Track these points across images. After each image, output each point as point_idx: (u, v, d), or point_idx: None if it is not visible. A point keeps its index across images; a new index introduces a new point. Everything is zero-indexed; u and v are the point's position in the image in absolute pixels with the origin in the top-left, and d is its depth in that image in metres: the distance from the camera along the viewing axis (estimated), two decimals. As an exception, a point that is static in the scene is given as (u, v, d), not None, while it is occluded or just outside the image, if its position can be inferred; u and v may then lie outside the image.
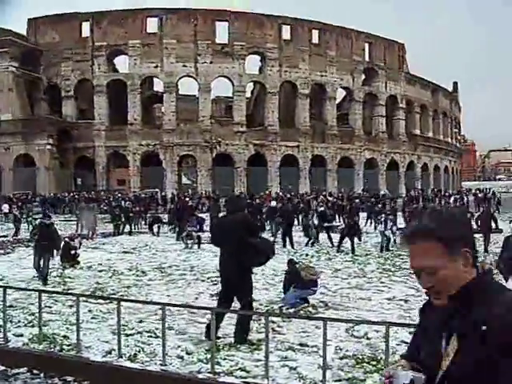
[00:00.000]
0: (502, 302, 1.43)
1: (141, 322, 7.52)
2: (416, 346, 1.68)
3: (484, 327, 1.40)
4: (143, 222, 25.82)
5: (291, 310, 8.47)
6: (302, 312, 8.44)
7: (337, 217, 26.20)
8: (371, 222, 25.41)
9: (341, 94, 51.34)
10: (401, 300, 9.42)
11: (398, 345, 5.95)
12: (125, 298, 9.07)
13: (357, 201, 31.44)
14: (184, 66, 42.44)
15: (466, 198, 41.53)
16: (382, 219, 18.12)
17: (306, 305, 8.66)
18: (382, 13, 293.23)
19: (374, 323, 6.59)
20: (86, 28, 42.78)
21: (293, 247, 17.27)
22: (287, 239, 17.64)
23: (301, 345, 6.43)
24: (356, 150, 48.53)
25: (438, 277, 1.49)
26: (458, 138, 75.15)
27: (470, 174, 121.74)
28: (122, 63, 44.94)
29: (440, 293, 1.52)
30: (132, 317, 7.68)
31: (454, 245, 1.49)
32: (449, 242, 1.48)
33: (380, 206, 26.85)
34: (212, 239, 7.44)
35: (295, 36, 45.56)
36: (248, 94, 49.49)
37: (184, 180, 43.41)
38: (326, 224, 18.89)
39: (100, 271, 12.83)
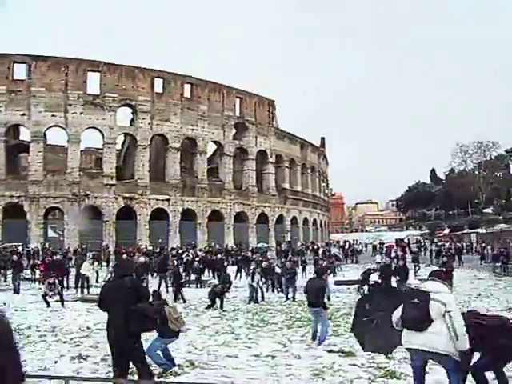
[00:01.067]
0: None
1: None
2: None
3: None
4: (3, 279, 28.43)
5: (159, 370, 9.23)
6: (166, 373, 9.23)
7: (206, 271, 32.74)
8: (240, 276, 31.30)
9: (212, 147, 60.03)
10: (268, 356, 10.72)
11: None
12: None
13: (219, 256, 38.57)
14: (53, 115, 47.06)
15: (333, 250, 50.86)
16: (251, 272, 22.65)
17: (174, 368, 9.47)
18: (254, 71, 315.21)
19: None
20: None
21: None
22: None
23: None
24: (226, 204, 56.60)
25: None
26: (326, 191, 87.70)
27: (338, 225, 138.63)
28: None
29: None
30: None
31: None
32: None
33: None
34: (99, 304, 7.81)
35: (167, 89, 52.98)
36: (119, 146, 55.77)
37: (50, 233, 47.80)
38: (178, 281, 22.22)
39: None
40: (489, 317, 6.82)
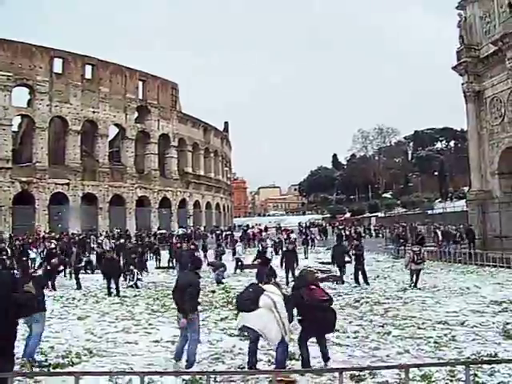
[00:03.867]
0: None
1: None
2: None
3: None
4: None
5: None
6: (63, 361, 9.44)
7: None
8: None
9: (113, 131, 60.21)
10: (168, 341, 10.81)
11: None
12: None
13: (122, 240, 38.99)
14: None
15: (236, 235, 52.51)
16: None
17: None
18: (156, 53, 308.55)
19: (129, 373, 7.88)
20: None
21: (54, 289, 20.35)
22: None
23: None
24: (128, 188, 57.15)
25: None
26: (229, 175, 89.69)
27: (242, 210, 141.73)
28: None
29: None
30: None
31: None
32: None
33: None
34: None
35: (67, 70, 52.35)
36: (15, 128, 54.41)
37: None
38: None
39: None
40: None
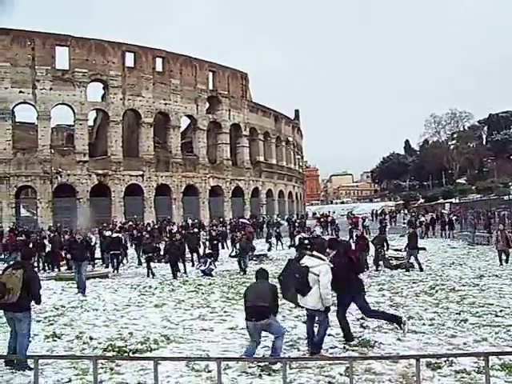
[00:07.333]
0: None
1: None
2: None
3: None
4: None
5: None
6: (142, 347, 9.73)
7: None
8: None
9: (185, 122, 60.91)
10: (243, 329, 10.17)
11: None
12: None
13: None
14: (21, 91, 46.95)
15: (308, 222, 52.17)
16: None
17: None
18: (227, 42, 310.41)
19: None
20: None
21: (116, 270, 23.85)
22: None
23: (139, 384, 7.42)
24: (201, 178, 57.71)
25: None
26: (301, 163, 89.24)
27: (314, 198, 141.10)
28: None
29: None
30: None
31: None
32: None
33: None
34: None
35: (139, 64, 53.36)
36: (90, 123, 56.10)
37: (23, 212, 48.13)
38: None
39: None
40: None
